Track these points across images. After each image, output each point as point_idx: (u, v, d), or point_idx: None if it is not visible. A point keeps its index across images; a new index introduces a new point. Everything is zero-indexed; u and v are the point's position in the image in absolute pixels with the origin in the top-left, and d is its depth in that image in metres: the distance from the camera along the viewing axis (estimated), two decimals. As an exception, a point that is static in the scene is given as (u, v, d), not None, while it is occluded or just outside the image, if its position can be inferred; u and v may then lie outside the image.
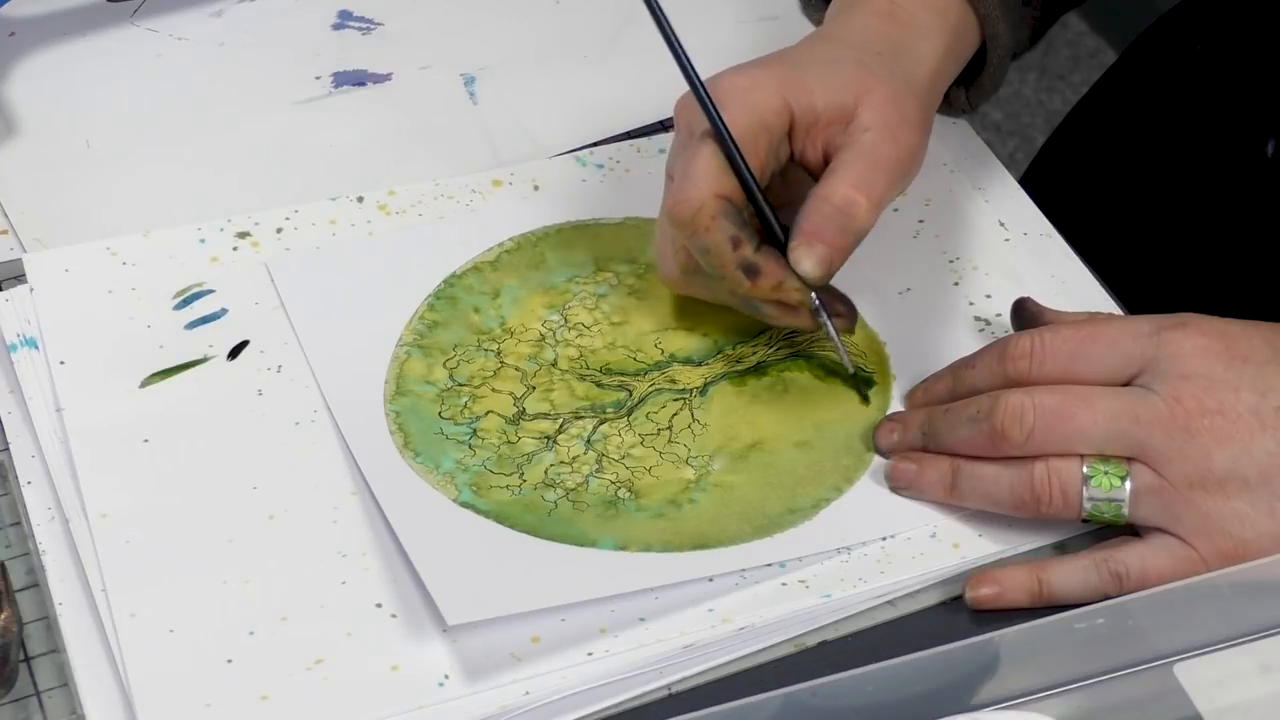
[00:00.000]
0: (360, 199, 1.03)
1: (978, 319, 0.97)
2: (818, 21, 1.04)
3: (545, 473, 0.90)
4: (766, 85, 0.91)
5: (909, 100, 0.92)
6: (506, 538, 0.87)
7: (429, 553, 0.86)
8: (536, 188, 1.03)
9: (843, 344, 0.93)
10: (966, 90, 1.04)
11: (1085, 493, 0.85)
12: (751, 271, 0.89)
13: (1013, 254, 1.00)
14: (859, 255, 0.99)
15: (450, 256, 1.00)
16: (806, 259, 0.88)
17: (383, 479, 0.89)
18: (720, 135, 0.89)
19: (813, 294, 0.90)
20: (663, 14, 0.88)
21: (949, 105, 1.06)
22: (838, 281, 0.98)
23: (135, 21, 1.14)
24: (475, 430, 0.92)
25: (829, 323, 0.90)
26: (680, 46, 0.89)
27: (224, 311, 0.97)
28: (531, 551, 0.87)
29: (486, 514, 0.88)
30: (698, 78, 0.89)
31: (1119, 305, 0.98)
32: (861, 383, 0.94)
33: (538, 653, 0.83)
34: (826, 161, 0.91)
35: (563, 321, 0.97)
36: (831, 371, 0.95)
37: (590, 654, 0.83)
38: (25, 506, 0.89)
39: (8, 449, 0.91)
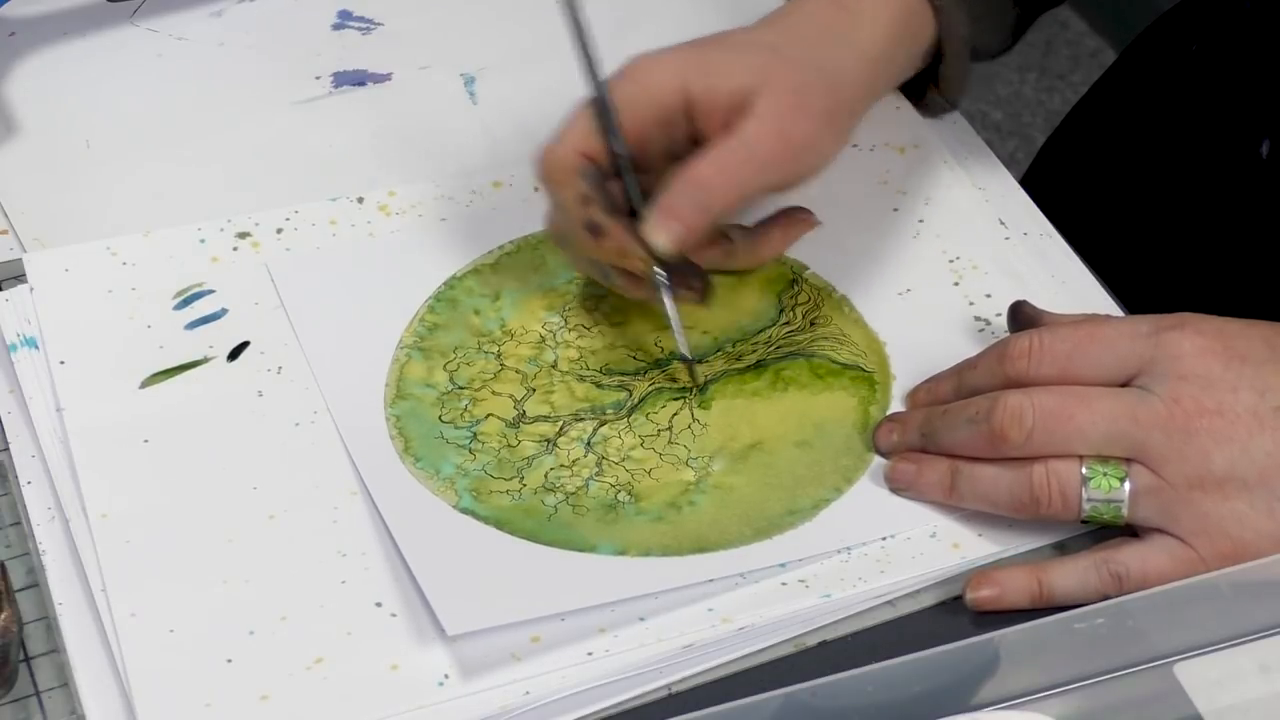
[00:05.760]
0: (360, 200, 1.03)
1: (978, 319, 0.97)
2: None
3: (545, 477, 0.90)
4: (666, 65, 0.92)
5: (817, 91, 0.92)
6: (506, 544, 0.87)
7: (429, 561, 0.86)
8: (536, 189, 1.03)
9: (680, 323, 0.92)
10: (936, 86, 1.03)
11: (1084, 494, 0.85)
12: (595, 231, 0.89)
13: (1013, 254, 1.00)
14: (859, 254, 0.99)
15: (450, 258, 1.00)
16: (657, 231, 0.89)
17: (383, 486, 0.89)
18: (597, 97, 0.90)
19: (657, 267, 0.90)
20: None
21: (927, 108, 1.06)
22: (831, 274, 0.98)
23: (135, 21, 1.14)
24: (475, 434, 0.92)
25: (667, 299, 0.91)
26: (581, 23, 0.90)
27: (224, 312, 0.97)
28: (531, 558, 0.87)
29: (486, 520, 0.88)
30: (586, 40, 0.90)
31: (1119, 305, 0.98)
32: (694, 368, 0.93)
33: (538, 652, 0.83)
34: None
35: (563, 323, 0.97)
36: (831, 372, 0.95)
37: (590, 654, 0.83)
38: (25, 506, 0.89)
39: (8, 449, 0.91)
